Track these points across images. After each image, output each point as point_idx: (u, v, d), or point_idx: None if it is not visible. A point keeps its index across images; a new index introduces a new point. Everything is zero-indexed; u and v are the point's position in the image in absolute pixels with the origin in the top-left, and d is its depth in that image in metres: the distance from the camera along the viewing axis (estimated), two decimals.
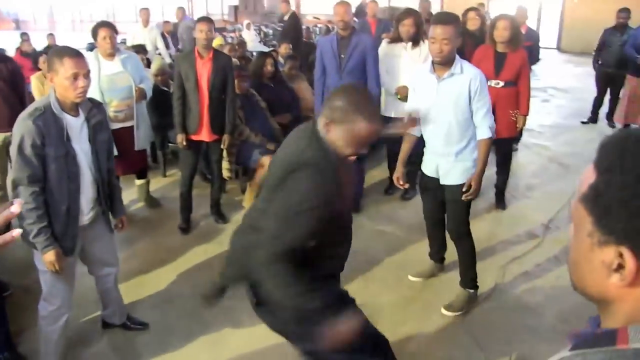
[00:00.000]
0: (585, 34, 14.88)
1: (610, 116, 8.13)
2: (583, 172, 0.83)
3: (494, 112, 3.41)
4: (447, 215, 3.57)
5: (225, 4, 22.09)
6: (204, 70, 4.34)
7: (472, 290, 3.62)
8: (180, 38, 10.45)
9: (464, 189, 3.33)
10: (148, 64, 6.76)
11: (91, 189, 2.84)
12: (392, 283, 3.91)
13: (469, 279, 3.61)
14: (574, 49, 16.62)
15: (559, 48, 17.90)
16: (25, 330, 3.33)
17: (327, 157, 2.01)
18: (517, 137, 6.18)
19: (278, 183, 2.06)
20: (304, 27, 11.13)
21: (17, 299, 3.65)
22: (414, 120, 3.22)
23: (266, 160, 4.66)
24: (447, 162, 3.38)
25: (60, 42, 11.17)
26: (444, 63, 3.17)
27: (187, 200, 4.74)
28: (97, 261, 3.14)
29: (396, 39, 4.98)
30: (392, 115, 5.08)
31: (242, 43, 6.85)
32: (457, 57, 3.22)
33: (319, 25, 15.21)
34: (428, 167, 3.54)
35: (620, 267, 0.76)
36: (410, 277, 3.95)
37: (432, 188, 3.57)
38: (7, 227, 1.00)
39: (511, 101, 4.80)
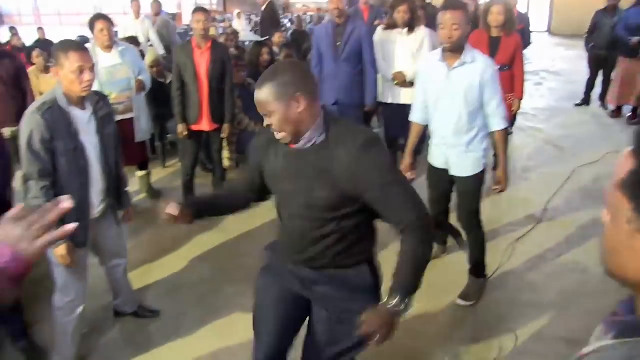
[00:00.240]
0: (575, 17, 14.93)
1: (602, 98, 8.21)
2: (619, 159, 0.82)
3: None
4: (458, 206, 3.52)
5: None
6: (202, 60, 4.37)
7: (482, 279, 3.64)
8: (159, 33, 8.96)
9: (494, 186, 3.38)
10: (142, 56, 6.74)
11: (101, 181, 2.87)
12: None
13: (480, 268, 3.61)
14: (564, 32, 16.67)
15: (549, 31, 17.98)
16: (40, 321, 3.36)
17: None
18: (511, 121, 6.25)
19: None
20: (294, 15, 11.10)
21: (31, 290, 3.69)
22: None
23: None
24: (458, 153, 3.32)
25: (48, 36, 11.12)
26: (454, 50, 3.08)
27: (189, 190, 4.78)
28: (107, 253, 3.18)
29: (392, 26, 5.00)
30: (389, 101, 5.13)
31: (235, 33, 6.85)
32: (468, 45, 3.14)
33: (309, 14, 15.21)
34: (436, 159, 3.48)
35: None
36: None
37: (440, 179, 3.52)
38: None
39: (506, 85, 4.83)
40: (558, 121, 7.64)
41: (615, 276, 0.85)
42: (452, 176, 3.44)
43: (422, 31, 4.94)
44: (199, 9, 4.46)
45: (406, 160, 3.53)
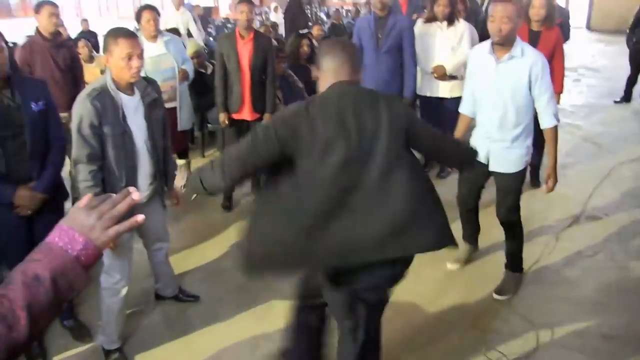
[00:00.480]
0: (615, 13, 14.67)
1: None
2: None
3: None
4: (498, 202, 3.46)
5: None
6: (245, 50, 4.44)
7: (519, 274, 3.62)
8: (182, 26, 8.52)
9: (546, 184, 3.35)
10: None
11: (148, 166, 2.94)
12: (430, 257, 3.96)
13: (517, 263, 3.60)
14: (603, 27, 16.38)
15: (588, 27, 17.65)
16: (85, 302, 3.49)
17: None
18: None
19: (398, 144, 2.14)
20: (332, 9, 11.09)
21: None
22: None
23: None
24: (501, 149, 3.27)
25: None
26: (503, 43, 3.05)
27: None
28: (151, 236, 3.27)
29: (431, 19, 5.01)
30: (428, 95, 5.15)
31: (274, 25, 6.94)
32: (518, 38, 3.09)
33: (345, 8, 15.22)
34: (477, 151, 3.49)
35: None
36: (448, 265, 3.86)
37: (476, 173, 3.42)
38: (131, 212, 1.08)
39: None
40: (597, 118, 7.53)
41: None
42: (491, 172, 3.39)
43: (461, 25, 4.95)
44: (243, 0, 4.52)
45: None
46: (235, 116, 4.61)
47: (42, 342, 3.19)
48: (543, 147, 5.17)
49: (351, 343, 2.30)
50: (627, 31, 8.01)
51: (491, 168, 3.37)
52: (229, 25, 12.48)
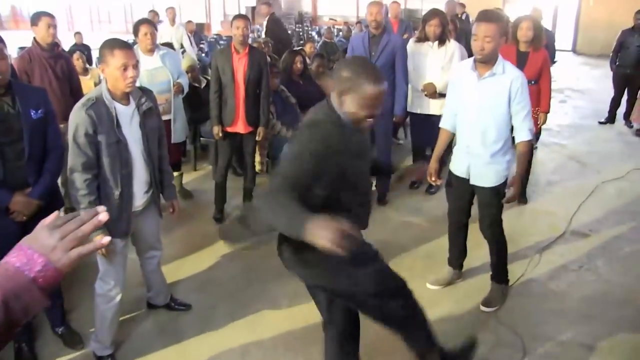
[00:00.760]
0: (601, 37, 14.96)
1: (627, 116, 8.22)
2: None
3: None
4: (480, 216, 3.53)
5: (242, 5, 22.29)
6: (240, 65, 4.53)
7: (504, 285, 3.70)
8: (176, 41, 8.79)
9: (505, 196, 3.33)
10: None
11: (144, 174, 2.99)
12: (421, 271, 4.05)
13: (502, 274, 3.67)
14: (589, 51, 16.66)
15: (574, 50, 17.94)
16: (76, 308, 3.51)
17: (336, 119, 2.21)
18: (536, 135, 6.32)
19: None
20: (323, 27, 11.22)
21: (68, 278, 3.83)
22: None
23: None
24: (481, 163, 3.35)
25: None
26: (485, 61, 3.15)
27: (222, 190, 4.92)
28: (144, 244, 3.31)
29: (423, 39, 5.14)
30: (418, 112, 5.27)
31: (267, 42, 7.05)
32: (500, 57, 3.18)
33: (337, 27, 15.41)
34: (458, 167, 3.50)
35: None
36: (428, 285, 3.87)
37: (460, 188, 3.55)
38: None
39: (533, 99, 4.86)
40: (582, 138, 7.69)
41: None
42: (472, 185, 3.47)
43: (452, 44, 5.09)
44: (239, 16, 4.61)
45: (432, 165, 3.51)
46: (229, 129, 4.67)
47: (33, 348, 3.21)
48: (529, 165, 5.32)
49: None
50: (611, 55, 8.20)
51: (472, 182, 3.45)
52: (221, 42, 12.60)
